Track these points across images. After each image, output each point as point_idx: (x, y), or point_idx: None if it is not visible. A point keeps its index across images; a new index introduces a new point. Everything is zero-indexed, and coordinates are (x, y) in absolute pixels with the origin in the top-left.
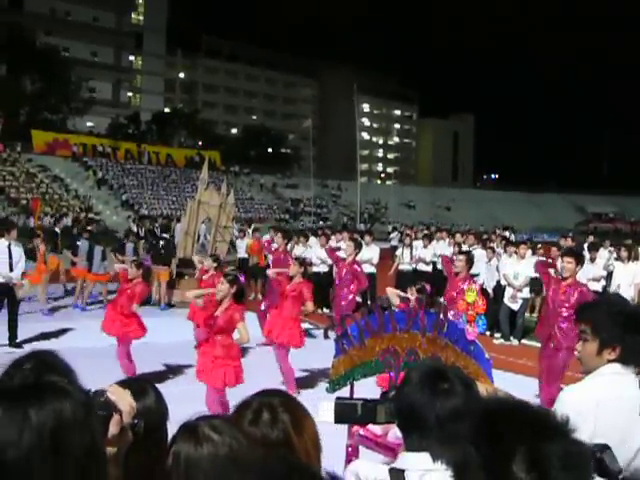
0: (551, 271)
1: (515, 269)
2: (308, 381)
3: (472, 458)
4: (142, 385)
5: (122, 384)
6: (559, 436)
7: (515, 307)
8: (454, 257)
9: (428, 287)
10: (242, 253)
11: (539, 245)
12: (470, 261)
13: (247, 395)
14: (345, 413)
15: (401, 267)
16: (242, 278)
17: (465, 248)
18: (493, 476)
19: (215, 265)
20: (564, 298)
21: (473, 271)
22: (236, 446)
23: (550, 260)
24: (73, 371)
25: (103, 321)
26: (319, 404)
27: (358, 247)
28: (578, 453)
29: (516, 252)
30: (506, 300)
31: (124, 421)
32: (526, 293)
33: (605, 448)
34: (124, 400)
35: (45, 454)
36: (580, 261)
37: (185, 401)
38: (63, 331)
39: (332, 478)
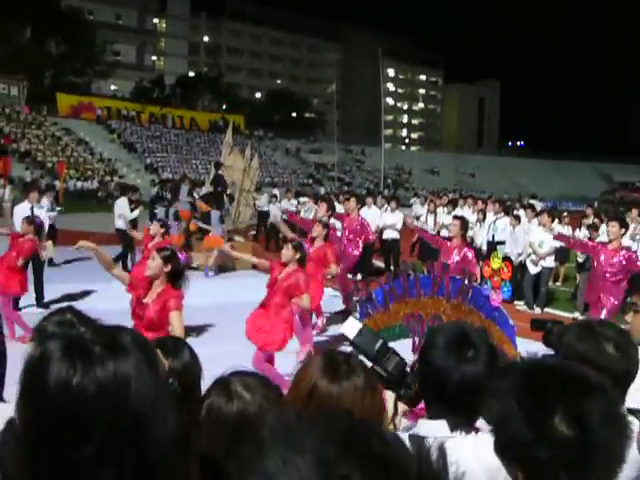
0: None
1: (540, 237)
2: (330, 346)
3: (513, 412)
4: (177, 344)
5: (158, 342)
6: (600, 394)
7: (534, 270)
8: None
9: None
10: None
11: (564, 214)
12: (465, 226)
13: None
14: (364, 339)
15: (416, 223)
16: (182, 257)
17: (490, 216)
18: (535, 429)
19: (162, 231)
20: (611, 262)
21: (499, 238)
22: (266, 405)
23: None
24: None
25: None
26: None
27: (331, 208)
28: (617, 412)
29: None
30: (527, 262)
31: None
32: (550, 262)
33: None
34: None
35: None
36: (624, 225)
37: (213, 362)
38: (87, 292)
39: (395, 438)
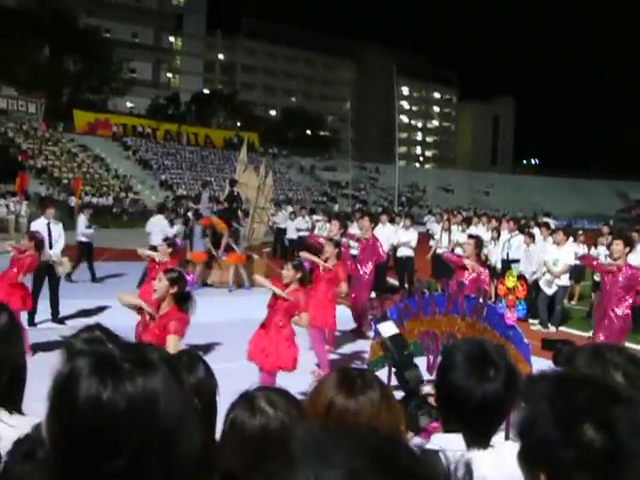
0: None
1: (554, 256)
2: (343, 364)
3: (544, 414)
4: (193, 359)
5: (176, 357)
6: (629, 405)
7: (549, 292)
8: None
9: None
10: (292, 234)
11: (579, 232)
12: (479, 245)
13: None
14: (396, 343)
15: (439, 251)
16: (189, 278)
17: (505, 234)
18: (563, 431)
19: (170, 251)
20: (614, 280)
21: (513, 257)
22: (288, 422)
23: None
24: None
25: None
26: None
27: (344, 227)
28: None
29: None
30: (541, 284)
31: None
32: (565, 280)
33: None
34: None
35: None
36: (629, 243)
37: (226, 378)
38: (102, 308)
39: (421, 450)
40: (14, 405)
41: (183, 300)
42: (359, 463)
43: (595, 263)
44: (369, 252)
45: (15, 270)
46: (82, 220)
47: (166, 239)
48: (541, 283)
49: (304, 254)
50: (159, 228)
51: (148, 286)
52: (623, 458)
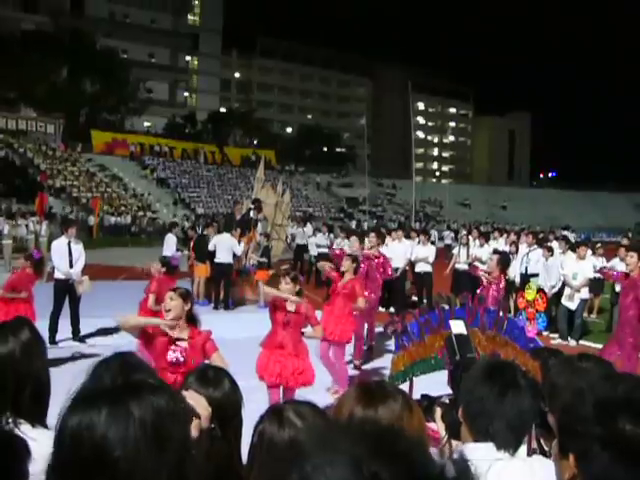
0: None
1: (574, 269)
2: (363, 378)
3: (583, 397)
4: (218, 374)
5: (199, 372)
6: None
7: (572, 306)
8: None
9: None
10: (312, 251)
11: (598, 245)
12: (502, 262)
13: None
14: (462, 341)
15: (457, 266)
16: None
17: (523, 248)
18: (601, 423)
19: (163, 270)
20: (627, 292)
21: (532, 271)
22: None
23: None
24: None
25: None
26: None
27: (362, 242)
28: None
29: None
30: (563, 299)
31: (202, 425)
32: (585, 294)
33: None
34: (201, 405)
35: (149, 447)
36: None
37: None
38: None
39: (419, 440)
40: (37, 419)
41: (194, 319)
42: (361, 450)
43: (614, 273)
44: (374, 269)
45: (10, 288)
46: (171, 239)
47: (163, 257)
48: (563, 299)
49: (270, 289)
50: (227, 247)
51: (144, 304)
52: None
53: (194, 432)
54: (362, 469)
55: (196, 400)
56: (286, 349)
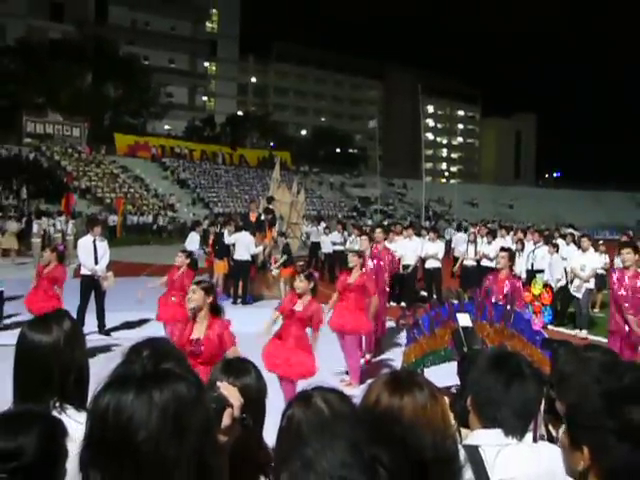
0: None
1: (581, 261)
2: (375, 369)
3: (593, 389)
4: (244, 364)
5: (226, 363)
6: None
7: (581, 295)
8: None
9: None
10: (327, 248)
11: (600, 242)
12: (512, 258)
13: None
14: (469, 334)
15: (465, 262)
16: (217, 290)
17: (529, 245)
18: (611, 415)
19: (188, 262)
20: (627, 286)
21: (537, 267)
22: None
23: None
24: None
25: (26, 299)
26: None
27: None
28: None
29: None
30: (572, 291)
31: (235, 414)
32: (592, 284)
33: None
34: (234, 395)
35: (170, 432)
36: (638, 251)
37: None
38: (144, 320)
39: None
40: (81, 403)
41: (217, 310)
42: (359, 435)
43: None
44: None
45: (48, 283)
46: (194, 237)
47: (184, 250)
48: (572, 290)
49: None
50: (245, 244)
51: (166, 298)
52: None
53: (227, 420)
54: (362, 452)
55: (229, 390)
56: (285, 341)
